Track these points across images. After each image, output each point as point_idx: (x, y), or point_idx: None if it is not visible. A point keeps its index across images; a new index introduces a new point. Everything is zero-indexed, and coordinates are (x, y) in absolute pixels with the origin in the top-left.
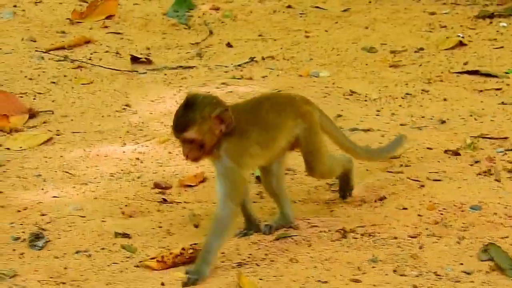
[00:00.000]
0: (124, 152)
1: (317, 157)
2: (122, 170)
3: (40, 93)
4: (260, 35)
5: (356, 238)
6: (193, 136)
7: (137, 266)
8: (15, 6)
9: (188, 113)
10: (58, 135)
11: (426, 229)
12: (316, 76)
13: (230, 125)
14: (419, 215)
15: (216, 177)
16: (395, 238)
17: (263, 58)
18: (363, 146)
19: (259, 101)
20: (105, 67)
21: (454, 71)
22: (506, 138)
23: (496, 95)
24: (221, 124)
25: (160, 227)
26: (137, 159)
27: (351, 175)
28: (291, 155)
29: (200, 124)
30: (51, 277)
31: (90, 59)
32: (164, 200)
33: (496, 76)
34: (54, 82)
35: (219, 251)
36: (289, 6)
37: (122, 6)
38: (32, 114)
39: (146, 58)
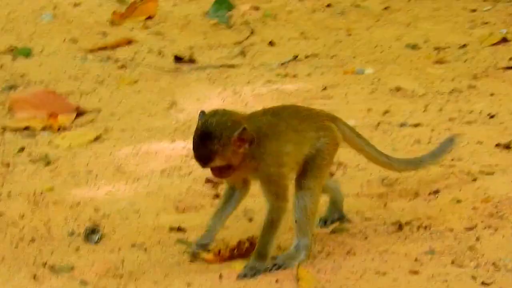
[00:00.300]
0: (173, 149)
1: (319, 173)
2: (172, 166)
3: (86, 93)
4: (301, 34)
5: (412, 231)
6: (218, 164)
7: (194, 259)
8: (55, 8)
9: (207, 145)
10: (107, 133)
11: (482, 221)
12: (361, 73)
13: (253, 141)
14: (474, 207)
15: (258, 184)
16: (451, 230)
17: (306, 56)
18: (400, 158)
19: (280, 108)
20: (149, 67)
21: (499, 66)
22: None
23: None
24: (243, 143)
25: None
26: (187, 156)
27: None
28: (343, 150)
29: (222, 152)
30: (108, 270)
31: (133, 59)
32: (217, 196)
33: None
34: (99, 82)
35: (273, 246)
36: (328, 5)
37: (161, 7)
38: (80, 113)
39: (189, 58)
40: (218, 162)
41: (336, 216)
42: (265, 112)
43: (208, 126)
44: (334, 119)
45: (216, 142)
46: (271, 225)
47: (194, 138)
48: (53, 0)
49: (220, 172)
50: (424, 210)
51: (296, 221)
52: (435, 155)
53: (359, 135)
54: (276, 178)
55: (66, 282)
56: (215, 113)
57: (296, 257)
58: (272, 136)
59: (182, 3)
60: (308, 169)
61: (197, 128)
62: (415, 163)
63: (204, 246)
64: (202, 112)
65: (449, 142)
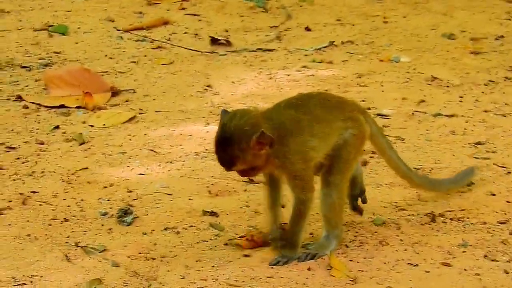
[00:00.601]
0: (207, 132)
1: (345, 167)
2: (206, 149)
3: (121, 72)
4: (338, 20)
5: (445, 223)
6: (241, 168)
7: (226, 244)
8: None
9: (227, 150)
10: (141, 113)
11: None
12: (396, 61)
13: (273, 142)
14: (507, 201)
15: (284, 180)
16: (485, 223)
17: (342, 43)
18: (422, 174)
19: (306, 98)
20: (185, 48)
21: None
22: None
23: None
24: (263, 146)
25: (248, 206)
26: None
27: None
28: None
29: (243, 157)
30: (140, 253)
31: (169, 40)
32: (251, 180)
33: None
34: (134, 62)
35: (302, 235)
36: None
37: None
38: (115, 93)
39: (225, 40)
40: (240, 166)
41: (357, 192)
42: (290, 104)
43: (227, 131)
44: (363, 111)
45: (236, 147)
46: (299, 216)
47: (215, 142)
48: None
49: (245, 173)
50: (457, 202)
51: (324, 216)
52: (455, 182)
53: (384, 136)
54: (302, 173)
55: (97, 263)
56: (233, 115)
57: (327, 246)
58: (295, 132)
59: None
60: (335, 164)
61: (217, 132)
62: (434, 184)
63: (277, 239)
64: (224, 111)
65: (470, 172)
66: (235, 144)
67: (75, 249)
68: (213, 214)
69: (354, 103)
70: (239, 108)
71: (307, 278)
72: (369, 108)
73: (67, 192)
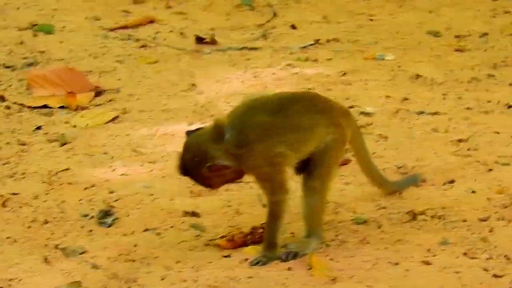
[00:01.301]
0: None
1: (326, 172)
2: None
3: (105, 72)
4: (324, 18)
5: (425, 220)
6: (207, 187)
7: (207, 245)
8: None
9: (190, 177)
10: (125, 113)
11: (496, 212)
12: (381, 59)
13: (229, 168)
14: (488, 198)
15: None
16: (465, 221)
17: (327, 41)
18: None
19: (290, 100)
20: (170, 47)
21: None
22: None
23: None
24: (220, 171)
25: (229, 206)
26: None
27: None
28: None
29: (203, 181)
30: (120, 254)
31: (154, 39)
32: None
33: None
34: (119, 61)
35: (280, 235)
36: None
37: None
38: (98, 92)
39: (211, 39)
40: (206, 185)
41: None
42: (267, 106)
43: (181, 163)
44: (347, 114)
45: (193, 175)
46: (274, 217)
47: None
48: None
49: (216, 186)
50: (438, 200)
51: (305, 218)
52: (400, 185)
53: (362, 138)
54: (270, 176)
55: (77, 266)
56: (190, 142)
57: (308, 246)
58: (260, 138)
59: None
60: (316, 169)
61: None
62: (391, 184)
63: None
64: (187, 133)
65: (413, 181)
66: (191, 173)
67: (55, 251)
68: (194, 214)
69: (340, 106)
70: (203, 125)
71: (287, 278)
72: (352, 106)
73: (48, 193)
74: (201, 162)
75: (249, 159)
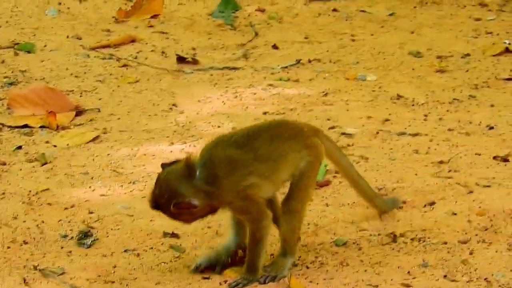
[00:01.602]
0: (171, 151)
1: (305, 194)
2: None
3: (86, 91)
4: (306, 38)
5: (406, 243)
6: (179, 223)
7: (188, 266)
8: (60, 3)
9: (158, 209)
10: (105, 133)
11: (476, 235)
12: (363, 80)
13: (196, 205)
14: (468, 220)
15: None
16: (445, 243)
17: (309, 61)
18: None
19: (257, 131)
20: (151, 66)
21: (500, 77)
22: None
23: None
24: (188, 209)
25: (209, 227)
26: None
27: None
28: None
29: (174, 217)
30: (99, 275)
31: (136, 58)
32: None
33: None
34: (100, 80)
35: (262, 260)
36: (334, 10)
37: (167, 6)
38: (79, 112)
39: (192, 58)
40: (177, 220)
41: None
42: (234, 141)
43: (153, 196)
44: (317, 132)
45: (163, 211)
46: (255, 242)
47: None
48: None
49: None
50: (419, 222)
51: (283, 239)
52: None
53: (341, 151)
54: (245, 209)
55: (56, 287)
56: (161, 178)
57: (285, 266)
58: (228, 172)
59: (188, 2)
60: (294, 192)
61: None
62: (381, 201)
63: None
64: (162, 165)
65: (392, 204)
66: (161, 210)
67: (34, 273)
68: (174, 235)
69: (309, 127)
70: (176, 158)
71: None
72: (333, 127)
73: (27, 214)
74: (170, 199)
75: (221, 195)
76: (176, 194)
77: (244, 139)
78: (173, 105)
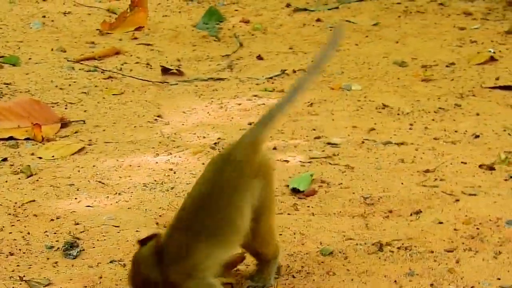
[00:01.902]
0: (157, 162)
1: (270, 213)
2: (155, 180)
3: (71, 103)
4: (290, 48)
5: (392, 252)
6: None
7: None
8: (44, 16)
9: None
10: (90, 145)
11: (463, 243)
12: (348, 90)
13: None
14: (455, 229)
15: None
16: (432, 252)
17: (294, 71)
18: None
19: (201, 197)
20: (136, 78)
21: (486, 86)
22: None
23: None
24: None
25: None
26: (170, 169)
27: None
28: (326, 168)
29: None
30: (85, 286)
31: (120, 70)
32: None
33: None
34: (85, 92)
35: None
36: (318, 20)
37: (151, 18)
38: (64, 124)
39: (177, 70)
40: None
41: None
42: (180, 225)
43: (131, 274)
44: (256, 145)
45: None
46: None
47: None
48: (42, 8)
49: None
50: (405, 231)
51: (261, 253)
52: None
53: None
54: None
55: None
56: (136, 258)
57: (270, 273)
58: (177, 259)
59: (172, 14)
60: (261, 216)
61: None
62: None
63: None
64: (139, 243)
65: None
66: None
67: (20, 284)
68: None
69: (244, 146)
70: (153, 232)
71: None
72: (319, 137)
73: (13, 225)
74: (144, 284)
75: (178, 272)
76: (149, 280)
77: (192, 215)
78: (158, 116)
